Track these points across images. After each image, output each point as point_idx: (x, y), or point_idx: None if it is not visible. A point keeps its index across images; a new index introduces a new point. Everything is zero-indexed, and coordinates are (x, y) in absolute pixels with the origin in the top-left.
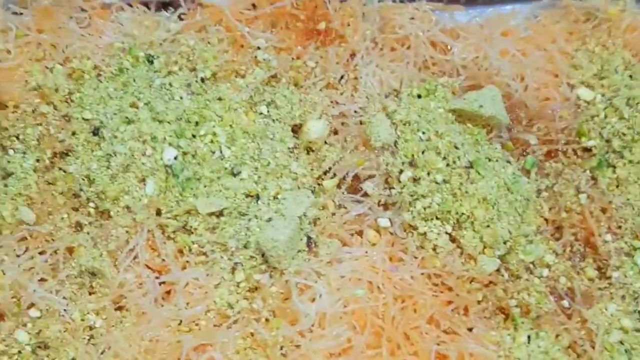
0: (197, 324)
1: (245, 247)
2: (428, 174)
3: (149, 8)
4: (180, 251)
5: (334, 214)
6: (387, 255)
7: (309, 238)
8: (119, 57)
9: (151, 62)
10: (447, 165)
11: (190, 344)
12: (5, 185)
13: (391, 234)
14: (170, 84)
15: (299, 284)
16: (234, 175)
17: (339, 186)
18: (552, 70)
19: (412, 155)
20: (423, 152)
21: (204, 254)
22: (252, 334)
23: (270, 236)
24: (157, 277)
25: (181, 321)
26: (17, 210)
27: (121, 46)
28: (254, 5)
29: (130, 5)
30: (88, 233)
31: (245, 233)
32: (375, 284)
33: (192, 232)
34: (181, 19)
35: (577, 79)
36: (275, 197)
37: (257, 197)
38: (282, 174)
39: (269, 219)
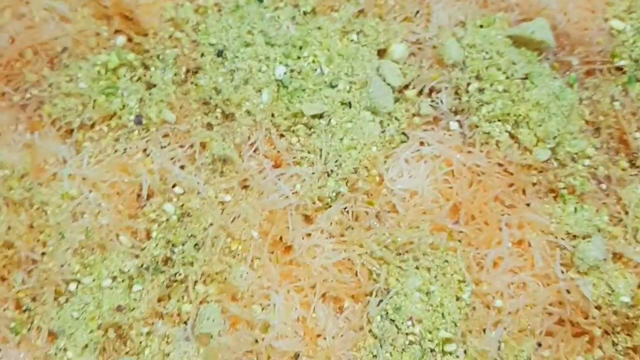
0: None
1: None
2: (491, 85)
3: None
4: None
5: (414, 115)
6: (459, 149)
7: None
8: None
9: (260, 1)
10: (507, 77)
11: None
12: (150, 94)
13: (461, 133)
14: (279, 17)
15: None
16: (332, 87)
17: (418, 96)
18: (590, 7)
19: (478, 71)
20: (487, 68)
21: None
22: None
23: None
24: (272, 165)
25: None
26: (161, 113)
27: None
28: None
29: None
30: (217, 131)
31: None
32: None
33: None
34: None
35: (611, 14)
36: None
37: (349, 104)
38: None
39: None
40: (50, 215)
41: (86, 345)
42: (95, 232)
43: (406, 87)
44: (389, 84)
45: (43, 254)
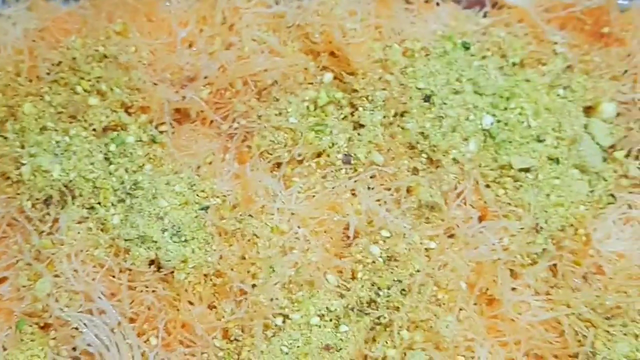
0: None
1: None
2: None
3: (458, 4)
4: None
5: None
6: None
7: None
8: (441, 42)
9: (467, 48)
10: None
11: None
12: (359, 134)
13: None
14: (486, 66)
15: None
16: (539, 141)
17: (626, 157)
18: None
19: None
20: None
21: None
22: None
23: None
24: (479, 216)
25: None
26: (370, 154)
27: (442, 33)
28: (546, 10)
29: (444, 2)
30: (423, 177)
31: None
32: None
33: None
34: (484, 16)
35: None
36: None
37: (557, 160)
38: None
39: None
40: (261, 248)
41: None
42: (304, 269)
43: (612, 147)
44: (597, 143)
45: (254, 285)
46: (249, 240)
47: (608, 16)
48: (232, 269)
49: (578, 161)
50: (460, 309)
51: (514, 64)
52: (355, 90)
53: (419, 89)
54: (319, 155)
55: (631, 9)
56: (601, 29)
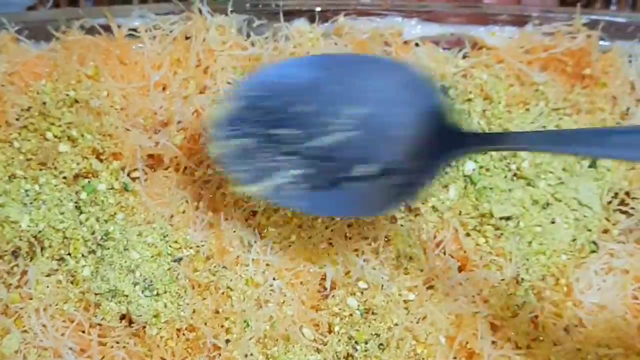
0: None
1: None
2: None
3: (437, 45)
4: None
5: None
6: None
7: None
8: None
9: (445, 93)
10: None
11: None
12: None
13: None
14: (468, 111)
15: None
16: (528, 185)
17: (608, 204)
18: None
19: None
20: None
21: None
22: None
23: None
24: (459, 267)
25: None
26: None
27: None
28: (527, 52)
29: (423, 43)
30: (402, 225)
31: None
32: None
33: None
34: (463, 58)
35: None
36: None
37: (544, 206)
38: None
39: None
40: (235, 302)
41: None
42: (279, 323)
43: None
44: (590, 190)
45: (227, 341)
46: (223, 294)
47: (589, 57)
48: (205, 324)
49: (566, 210)
50: None
51: (497, 107)
52: None
53: None
54: None
55: (612, 50)
56: (583, 70)
